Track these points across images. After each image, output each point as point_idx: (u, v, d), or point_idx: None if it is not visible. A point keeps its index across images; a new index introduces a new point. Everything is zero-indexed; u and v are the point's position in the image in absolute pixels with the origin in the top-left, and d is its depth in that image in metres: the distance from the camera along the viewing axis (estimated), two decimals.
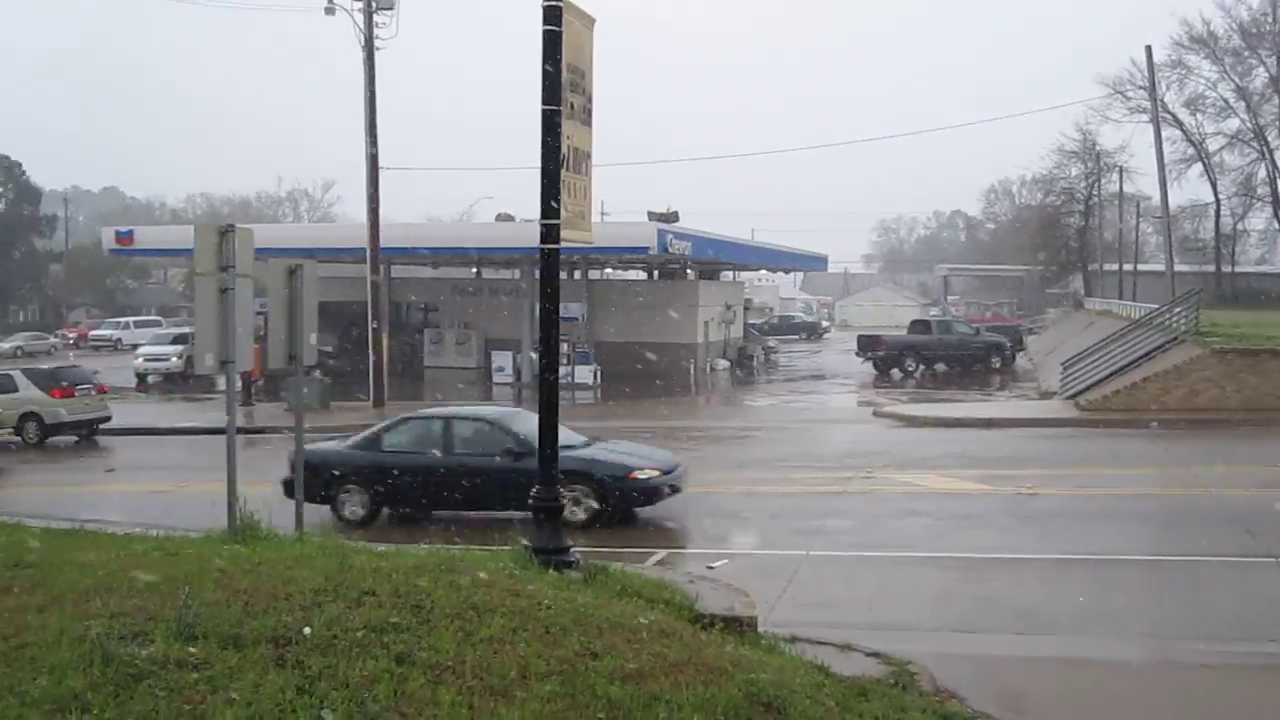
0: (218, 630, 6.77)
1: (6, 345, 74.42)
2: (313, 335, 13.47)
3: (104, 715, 5.64)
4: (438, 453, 17.68)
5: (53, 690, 5.87)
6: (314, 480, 16.46)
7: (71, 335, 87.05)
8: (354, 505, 17.47)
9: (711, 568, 13.48)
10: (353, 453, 17.99)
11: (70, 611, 7.28)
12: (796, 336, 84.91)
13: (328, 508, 17.28)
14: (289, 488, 15.45)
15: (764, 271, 75.36)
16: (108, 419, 31.22)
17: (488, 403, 38.63)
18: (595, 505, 16.63)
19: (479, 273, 55.51)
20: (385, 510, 17.97)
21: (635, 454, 18.00)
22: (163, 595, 7.62)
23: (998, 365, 49.05)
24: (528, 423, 16.35)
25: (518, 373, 44.74)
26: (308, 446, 15.74)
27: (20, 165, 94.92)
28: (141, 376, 48.33)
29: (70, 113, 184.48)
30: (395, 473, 17.62)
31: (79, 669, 6.16)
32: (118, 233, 49.70)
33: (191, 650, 6.50)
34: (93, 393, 31.08)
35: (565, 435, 13.39)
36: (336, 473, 17.64)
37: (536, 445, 10.96)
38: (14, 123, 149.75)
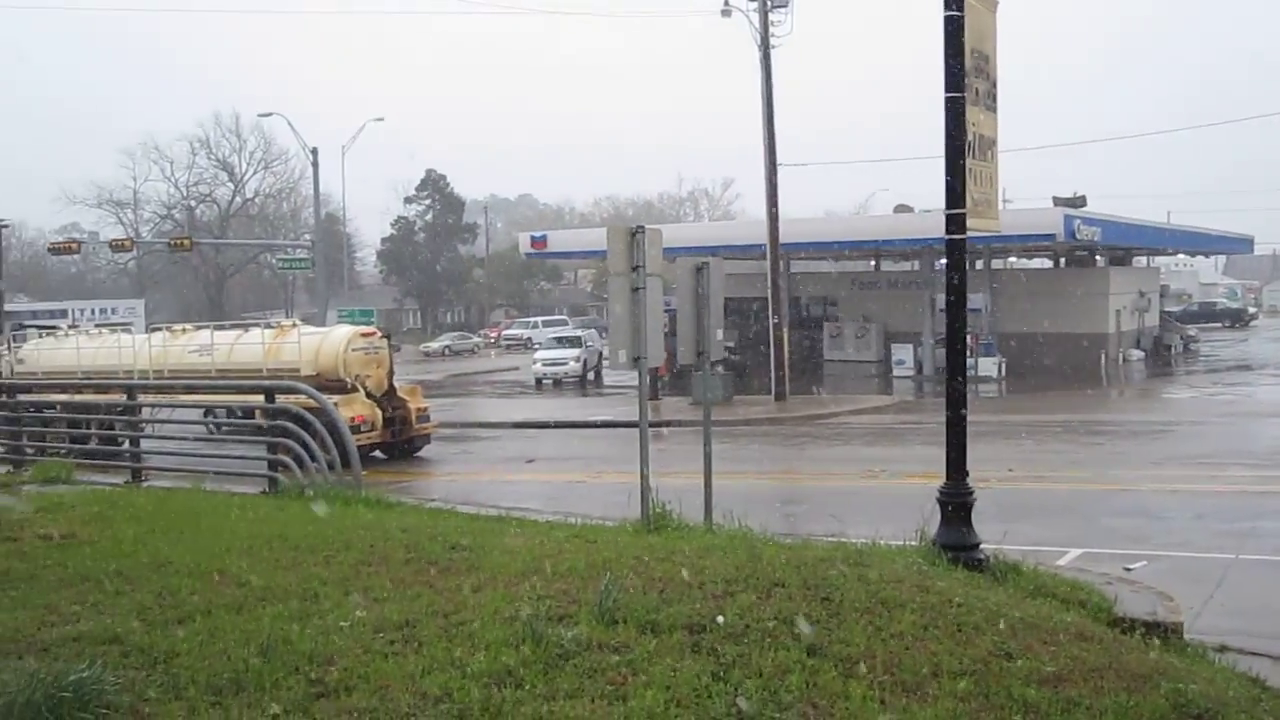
0: (636, 616, 7.04)
1: (435, 345, 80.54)
2: (719, 331, 13.78)
3: (535, 691, 5.96)
4: None
5: (489, 665, 6.28)
6: None
7: (492, 335, 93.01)
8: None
9: (1129, 569, 12.77)
10: None
11: (502, 592, 7.78)
12: (1219, 324, 79.24)
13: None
14: None
15: (1181, 255, 70.87)
16: None
17: (886, 396, 38.33)
18: None
19: (878, 265, 55.10)
20: None
21: None
22: (584, 580, 8.01)
23: None
24: None
25: (918, 365, 44.10)
26: None
27: (445, 178, 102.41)
28: (539, 380, 49.14)
29: (487, 127, 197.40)
30: None
31: (511, 646, 6.56)
32: (532, 237, 52.63)
33: (612, 633, 6.79)
34: None
35: None
36: None
37: None
38: (440, 139, 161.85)
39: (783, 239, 36.55)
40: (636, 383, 13.53)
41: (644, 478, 12.52)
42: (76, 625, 7.33)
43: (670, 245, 13.88)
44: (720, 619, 7.05)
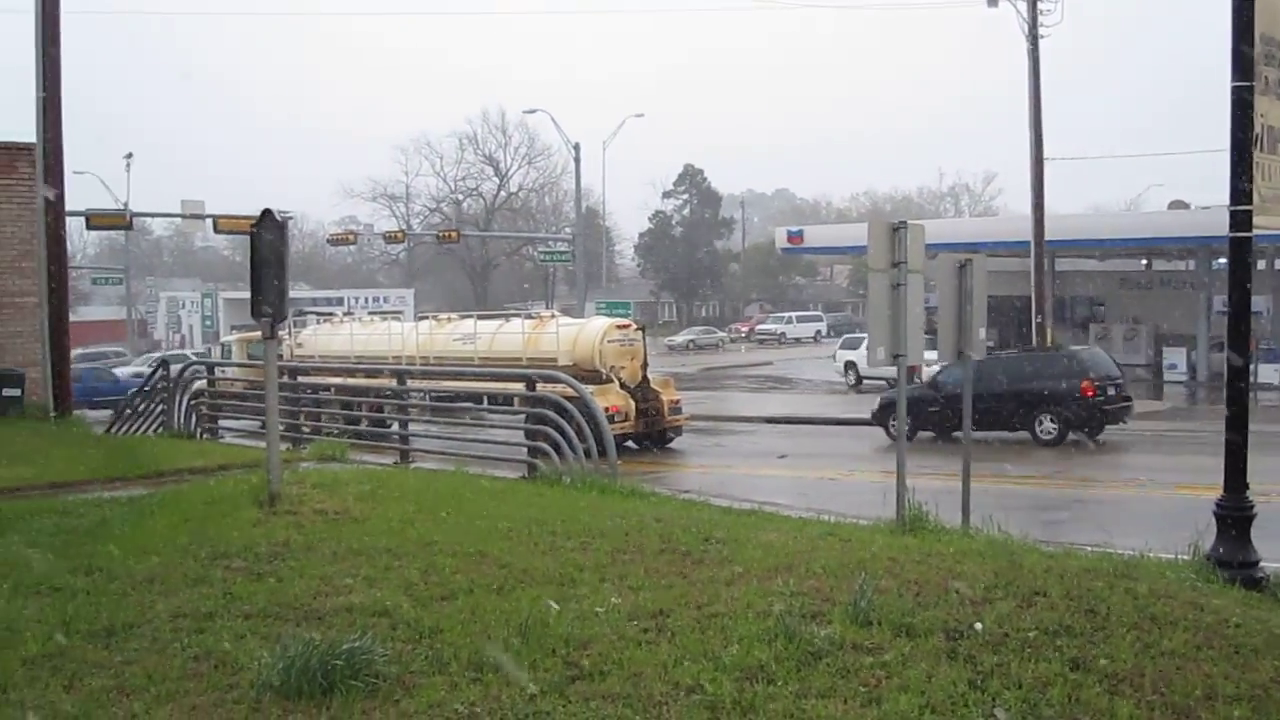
0: (890, 618, 6.91)
1: (679, 339, 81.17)
2: (981, 329, 13.43)
3: (786, 688, 5.92)
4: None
5: (741, 659, 6.27)
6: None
7: (743, 330, 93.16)
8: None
9: None
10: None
11: (755, 587, 7.76)
12: None
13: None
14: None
15: None
16: None
17: (1156, 401, 36.58)
18: None
19: (1149, 264, 52.64)
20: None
21: None
22: (837, 579, 7.92)
23: None
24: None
25: (1191, 370, 41.94)
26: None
27: (703, 173, 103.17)
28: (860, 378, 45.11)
29: (745, 123, 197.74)
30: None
31: (764, 641, 6.54)
32: (789, 232, 52.39)
33: (866, 634, 6.69)
34: None
35: None
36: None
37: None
38: (698, 134, 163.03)
39: (1048, 235, 35.30)
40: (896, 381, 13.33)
41: (900, 477, 12.31)
42: (349, 597, 7.68)
43: (930, 241, 13.58)
44: (978, 626, 6.85)
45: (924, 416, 26.50)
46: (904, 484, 12.26)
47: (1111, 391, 27.40)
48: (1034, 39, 33.84)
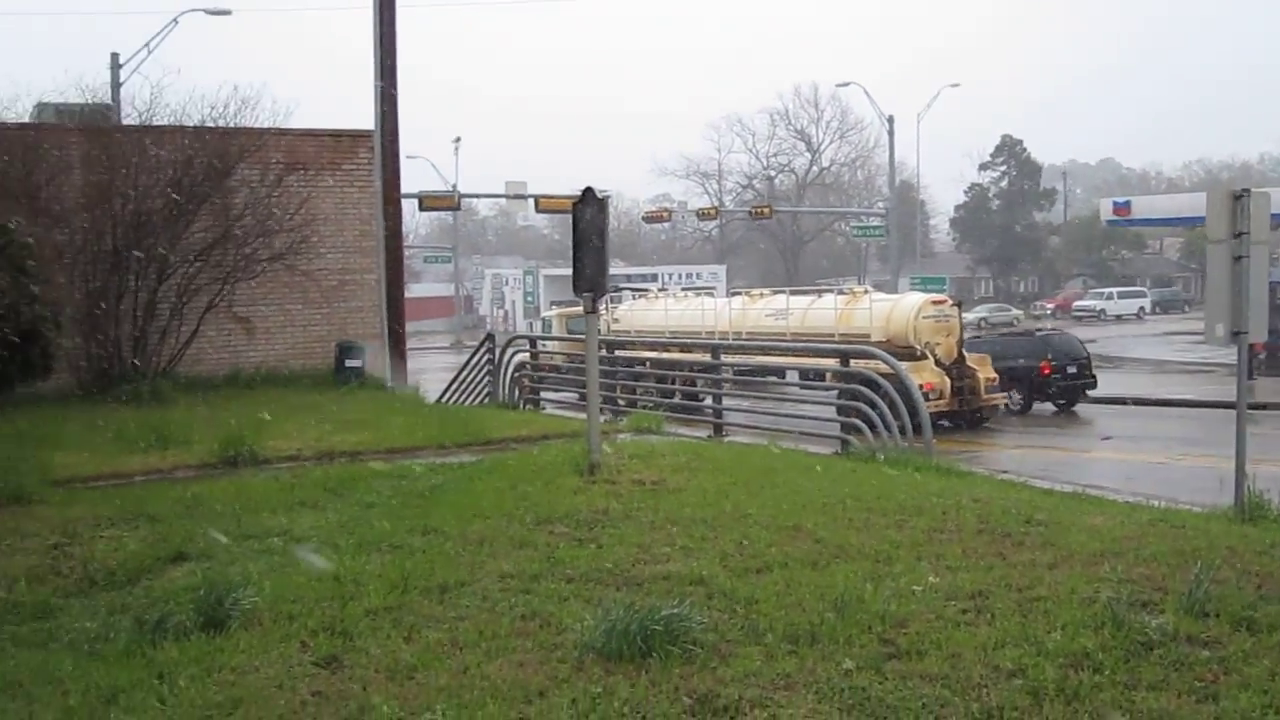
0: (1230, 610, 6.52)
1: (970, 316, 78.11)
2: None
3: (1114, 678, 5.68)
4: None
5: (1066, 645, 6.06)
6: None
7: (1048, 306, 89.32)
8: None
9: None
10: None
11: (1079, 572, 7.48)
12: None
13: None
14: None
15: None
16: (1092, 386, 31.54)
17: None
18: None
19: None
20: None
21: None
22: (1169, 567, 7.54)
23: None
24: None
25: None
26: None
27: (1022, 143, 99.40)
28: None
29: (1067, 92, 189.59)
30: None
31: (1090, 629, 6.29)
32: (1114, 203, 50.12)
33: (1202, 627, 6.34)
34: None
35: None
36: None
37: None
38: (1017, 104, 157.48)
39: None
40: (1232, 360, 12.54)
41: (1240, 464, 11.60)
42: (665, 565, 7.85)
43: (1277, 211, 12.72)
44: None
45: None
46: (1244, 470, 11.55)
47: None
48: None
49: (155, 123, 22.54)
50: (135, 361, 20.76)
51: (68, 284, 19.92)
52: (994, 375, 27.79)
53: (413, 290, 75.32)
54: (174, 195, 21.06)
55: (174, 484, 12.40)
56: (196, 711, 5.49)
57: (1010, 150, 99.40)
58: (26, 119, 23.03)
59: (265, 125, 23.13)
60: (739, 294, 36.46)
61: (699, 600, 6.93)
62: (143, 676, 5.95)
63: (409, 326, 25.79)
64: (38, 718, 5.55)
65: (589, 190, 11.74)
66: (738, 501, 10.05)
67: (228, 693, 5.66)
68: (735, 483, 11.07)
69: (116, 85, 38.15)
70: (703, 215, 77.21)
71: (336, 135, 25.23)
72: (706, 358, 23.71)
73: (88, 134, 21.90)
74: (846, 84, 71.33)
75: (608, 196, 12.74)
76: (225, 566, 8.17)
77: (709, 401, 22.45)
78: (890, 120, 62.70)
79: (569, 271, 12.10)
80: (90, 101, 24.43)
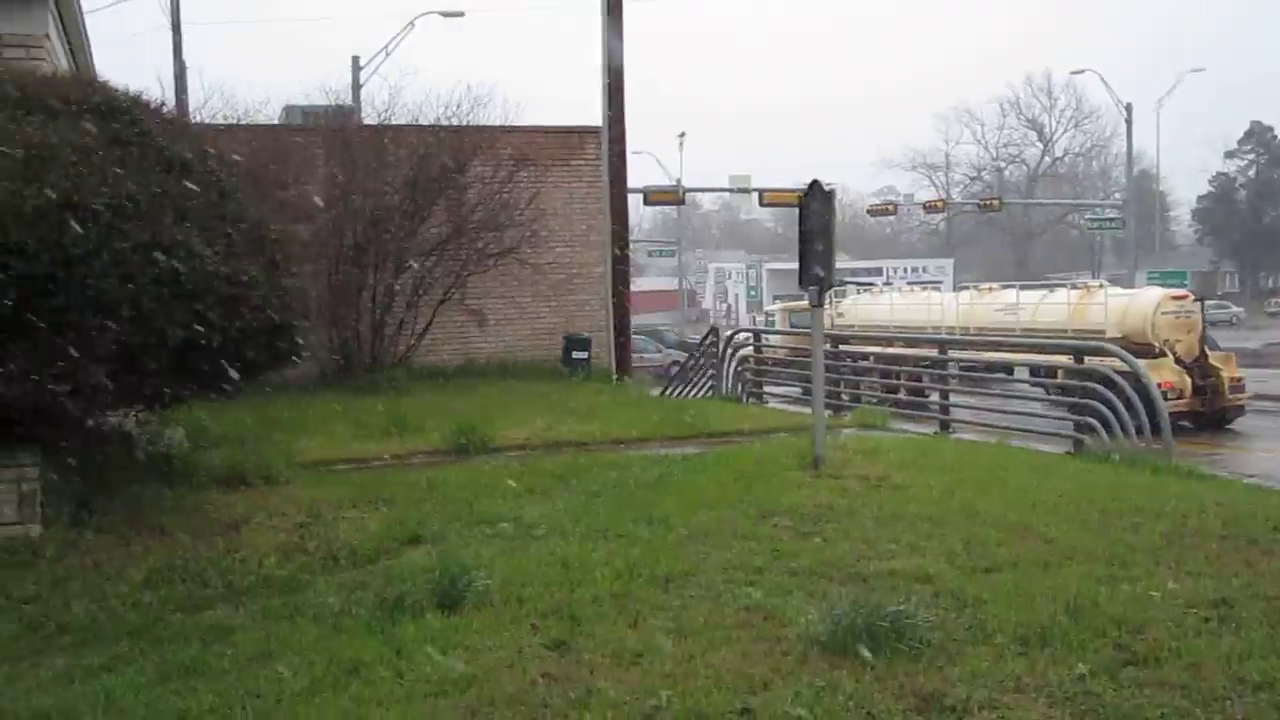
0: None
1: None
2: None
3: None
4: None
5: None
6: None
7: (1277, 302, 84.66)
8: None
9: None
10: None
11: None
12: None
13: None
14: None
15: None
16: None
17: None
18: None
19: None
20: None
21: None
22: None
23: None
24: None
25: None
26: None
27: (1271, 130, 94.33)
28: None
29: None
30: None
31: None
32: None
33: None
34: None
35: None
36: None
37: None
38: (1266, 89, 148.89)
39: None
40: None
41: None
42: (891, 562, 7.76)
43: None
44: None
45: None
46: None
47: None
48: None
49: (393, 122, 23.44)
50: (374, 352, 21.62)
51: (313, 277, 20.89)
52: (1239, 375, 26.46)
53: (637, 284, 76.40)
54: (410, 192, 21.82)
55: (410, 469, 12.88)
56: (432, 687, 5.69)
57: (1259, 137, 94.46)
58: (275, 121, 24.26)
59: (496, 124, 23.78)
60: (967, 288, 35.69)
61: (925, 598, 6.83)
62: (382, 651, 6.22)
63: (633, 320, 26.13)
64: (288, 685, 5.85)
65: (815, 183, 11.66)
66: (965, 499, 9.86)
67: (461, 670, 5.86)
68: (962, 480, 10.85)
69: (357, 87, 39.67)
70: (929, 208, 75.85)
71: (565, 131, 25.75)
72: (933, 353, 23.26)
73: (330, 134, 22.89)
74: (1081, 71, 69.31)
75: (833, 189, 12.65)
76: (458, 549, 8.44)
77: (935, 398, 22.06)
78: (1128, 108, 60.26)
79: (793, 265, 12.03)
80: (333, 103, 25.57)
